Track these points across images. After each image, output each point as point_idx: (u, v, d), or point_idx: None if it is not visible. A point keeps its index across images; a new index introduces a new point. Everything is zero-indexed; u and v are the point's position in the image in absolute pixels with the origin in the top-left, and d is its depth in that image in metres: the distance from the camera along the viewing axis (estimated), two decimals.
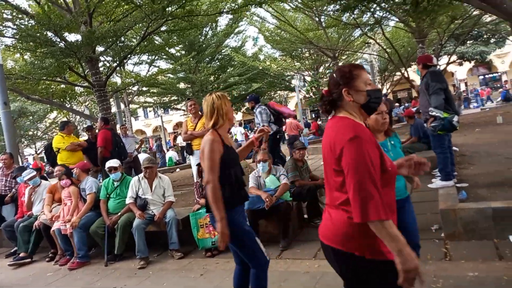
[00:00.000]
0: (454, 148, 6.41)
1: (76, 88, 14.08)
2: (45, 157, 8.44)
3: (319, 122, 20.54)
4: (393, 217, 1.54)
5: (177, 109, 24.08)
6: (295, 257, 4.01)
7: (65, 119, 24.04)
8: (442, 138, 4.80)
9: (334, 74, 1.70)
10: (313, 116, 29.10)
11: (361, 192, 1.43)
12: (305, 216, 5.19)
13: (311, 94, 21.71)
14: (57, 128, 21.52)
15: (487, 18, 15.33)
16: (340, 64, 19.36)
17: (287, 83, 24.72)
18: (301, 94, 23.95)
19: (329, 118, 1.73)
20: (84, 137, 13.38)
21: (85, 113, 16.18)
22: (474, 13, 12.79)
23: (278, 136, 6.56)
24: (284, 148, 13.55)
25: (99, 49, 10.42)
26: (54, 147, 7.18)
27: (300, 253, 4.11)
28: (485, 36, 23.07)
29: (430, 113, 4.60)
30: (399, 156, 2.63)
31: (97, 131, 7.73)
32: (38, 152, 28.85)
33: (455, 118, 4.59)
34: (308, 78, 23.03)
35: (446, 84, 4.75)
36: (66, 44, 8.62)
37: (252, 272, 2.53)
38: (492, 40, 23.96)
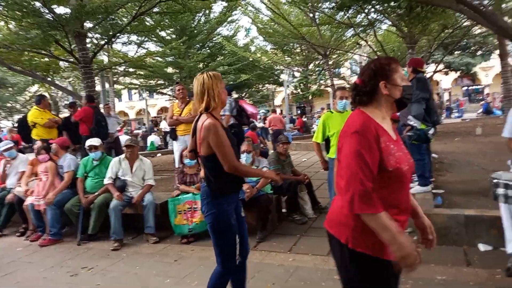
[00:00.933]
0: (433, 155, 6.54)
1: (61, 62, 13.68)
2: (18, 131, 8.20)
3: (304, 119, 20.64)
4: (399, 215, 1.56)
5: (162, 93, 23.72)
6: (271, 250, 4.04)
7: (46, 93, 23.44)
8: (420, 145, 4.87)
9: (372, 65, 1.66)
10: (299, 112, 29.17)
11: (351, 185, 1.46)
12: (284, 210, 5.22)
13: (299, 90, 21.75)
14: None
15: (477, 30, 15.62)
16: (330, 62, 19.47)
17: (276, 77, 24.68)
18: (289, 90, 23.98)
19: (353, 110, 1.74)
20: (65, 113, 13.07)
21: (68, 88, 15.80)
22: (465, 23, 13.00)
23: (232, 131, 6.47)
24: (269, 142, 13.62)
25: (88, 25, 10.14)
26: (30, 121, 6.98)
27: (276, 246, 4.14)
28: (472, 48, 23.52)
29: (408, 121, 4.62)
30: None
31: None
32: (14, 125, 28.09)
33: (431, 131, 4.62)
34: (298, 74, 23.06)
35: (430, 93, 4.76)
36: (54, 16, 8.35)
37: (217, 269, 2.44)
38: (479, 53, 24.45)
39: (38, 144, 5.66)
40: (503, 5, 11.75)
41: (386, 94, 1.61)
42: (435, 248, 3.54)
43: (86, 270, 3.92)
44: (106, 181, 4.89)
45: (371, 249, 1.53)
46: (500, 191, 2.41)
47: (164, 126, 16.55)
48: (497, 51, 15.76)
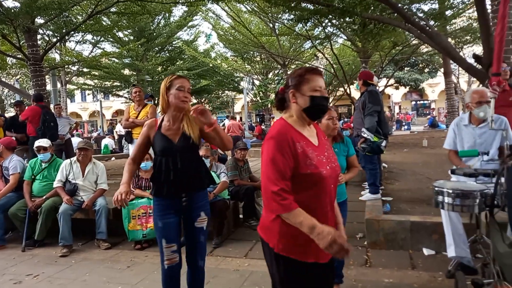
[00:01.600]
0: (383, 164, 6.89)
1: (8, 59, 12.93)
2: None
3: (263, 127, 20.88)
4: (322, 219, 1.57)
5: (118, 95, 23.04)
6: (227, 255, 4.05)
7: None
8: (372, 156, 5.13)
9: (290, 74, 1.75)
10: (258, 120, 29.47)
11: (267, 188, 1.55)
12: (241, 216, 5.26)
13: (258, 98, 22.02)
14: None
15: (424, 48, 16.72)
16: (289, 72, 19.89)
17: (236, 84, 24.82)
18: (249, 97, 24.19)
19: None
20: (11, 112, 12.28)
21: (16, 86, 14.90)
22: (413, 42, 13.88)
23: None
24: None
25: (40, 20, 9.69)
26: None
27: (232, 251, 4.16)
28: (420, 65, 25.15)
29: (362, 134, 4.85)
30: (341, 165, 2.79)
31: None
32: None
33: (384, 143, 4.89)
34: (257, 82, 23.35)
35: (381, 107, 5.04)
36: (1, 10, 7.90)
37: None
38: (426, 70, 26.18)
39: None
40: (448, 27, 12.70)
41: (293, 102, 1.68)
42: (384, 252, 3.77)
43: (31, 277, 3.71)
44: (56, 184, 4.66)
45: (294, 253, 1.60)
46: (441, 198, 2.61)
47: (119, 129, 16.01)
48: (442, 69, 16.95)
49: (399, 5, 7.88)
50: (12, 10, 7.96)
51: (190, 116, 2.35)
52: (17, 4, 8.55)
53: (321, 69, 18.14)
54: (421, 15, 8.84)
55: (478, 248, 3.34)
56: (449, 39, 13.25)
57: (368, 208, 4.40)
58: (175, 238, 2.40)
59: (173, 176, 2.35)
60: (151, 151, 2.53)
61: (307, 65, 17.56)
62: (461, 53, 15.65)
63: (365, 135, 4.80)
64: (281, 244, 1.61)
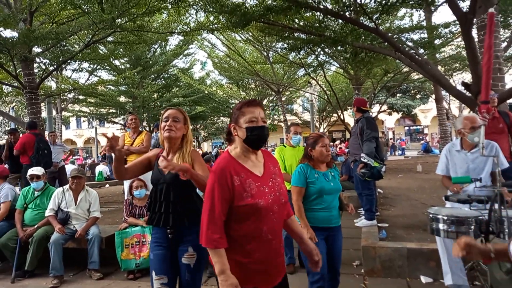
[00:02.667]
0: (378, 190, 6.90)
1: (4, 87, 13.01)
2: None
3: None
4: (249, 250, 1.71)
5: (114, 122, 23.10)
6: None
7: None
8: (369, 181, 5.15)
9: (232, 110, 1.89)
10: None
11: (203, 220, 1.69)
12: None
13: None
14: None
15: (415, 76, 17.09)
16: (283, 98, 20.17)
17: (231, 111, 25.02)
18: None
19: None
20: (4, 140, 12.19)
21: (11, 114, 14.91)
22: (405, 69, 14.20)
23: None
24: None
25: (37, 49, 9.83)
26: None
27: None
28: (412, 92, 25.63)
29: (362, 159, 4.88)
30: (338, 187, 2.85)
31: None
32: None
33: (383, 169, 4.95)
34: None
35: (378, 133, 5.13)
36: None
37: None
38: (418, 96, 26.66)
39: None
40: (437, 55, 13.05)
41: (235, 135, 1.81)
42: (381, 280, 3.71)
43: None
44: (48, 213, 4.59)
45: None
46: (436, 225, 2.61)
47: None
48: (433, 96, 17.27)
49: (389, 34, 8.13)
50: (10, 40, 8.08)
51: (185, 149, 2.38)
52: (15, 34, 8.69)
53: (315, 96, 18.41)
54: (410, 44, 9.09)
55: (476, 275, 3.32)
56: (439, 67, 13.59)
57: (364, 235, 4.37)
58: (165, 270, 2.31)
59: (159, 207, 2.34)
60: (145, 178, 2.50)
61: (301, 92, 17.76)
62: (451, 80, 16.02)
63: (365, 160, 4.83)
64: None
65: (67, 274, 4.48)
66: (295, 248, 4.08)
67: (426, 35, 10.07)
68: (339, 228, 2.89)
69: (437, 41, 10.98)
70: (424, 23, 11.25)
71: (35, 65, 10.67)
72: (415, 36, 10.03)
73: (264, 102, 22.92)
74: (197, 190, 2.44)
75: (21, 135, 7.65)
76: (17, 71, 9.25)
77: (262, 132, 1.79)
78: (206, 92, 21.28)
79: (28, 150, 6.79)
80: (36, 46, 9.32)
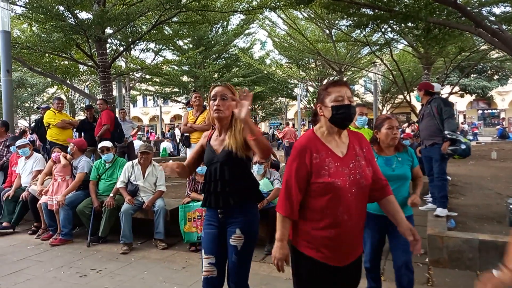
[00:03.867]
0: (448, 177, 6.46)
1: (80, 66, 14.00)
2: (34, 131, 8.37)
3: None
4: (330, 227, 1.75)
5: (177, 101, 24.02)
6: None
7: (63, 95, 23.90)
8: (445, 165, 4.81)
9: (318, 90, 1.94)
10: (311, 126, 29.23)
11: (282, 188, 1.83)
12: None
13: (312, 105, 21.79)
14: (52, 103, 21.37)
15: (494, 54, 15.53)
16: (345, 79, 19.50)
17: (290, 91, 24.81)
18: (302, 104, 24.02)
19: None
20: (82, 115, 13.20)
21: (86, 92, 16.08)
22: (482, 47, 12.96)
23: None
24: (280, 154, 13.63)
25: (109, 31, 10.38)
26: (45, 122, 7.17)
27: None
28: (489, 72, 23.35)
29: (448, 136, 4.49)
30: (403, 173, 2.68)
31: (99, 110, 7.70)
32: (30, 125, 28.59)
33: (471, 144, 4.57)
34: (311, 89, 23.18)
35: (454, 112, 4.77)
36: (76, 21, 8.58)
37: None
38: (496, 77, 24.26)
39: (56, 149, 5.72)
40: None
41: (321, 115, 1.85)
42: (448, 272, 3.50)
43: (94, 272, 3.94)
44: (119, 184, 4.93)
45: (304, 247, 1.81)
46: None
47: (177, 133, 16.71)
48: None
49: (468, 8, 7.40)
50: (86, 22, 8.62)
51: (237, 126, 2.29)
52: (90, 16, 9.23)
53: (379, 76, 17.55)
54: (492, 18, 8.21)
55: None
56: None
57: (431, 223, 4.14)
58: (213, 250, 2.32)
59: (213, 187, 2.31)
60: None
61: (364, 72, 17.06)
62: None
63: (453, 137, 4.48)
64: (295, 238, 1.86)
65: (135, 242, 4.81)
66: None
67: (510, 9, 9.04)
68: (409, 218, 2.63)
69: None
70: None
71: (107, 45, 11.31)
72: (498, 10, 9.07)
73: (324, 81, 22.36)
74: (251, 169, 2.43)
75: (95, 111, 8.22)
76: (92, 51, 9.88)
77: (349, 110, 1.78)
78: (266, 72, 21.22)
79: (111, 125, 7.33)
80: (108, 27, 9.84)
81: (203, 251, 2.35)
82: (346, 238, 1.78)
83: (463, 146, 4.41)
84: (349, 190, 1.74)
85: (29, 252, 4.65)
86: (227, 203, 2.29)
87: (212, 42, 19.84)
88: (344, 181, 1.74)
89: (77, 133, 7.87)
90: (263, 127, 41.05)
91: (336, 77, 20.20)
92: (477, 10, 8.08)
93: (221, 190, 2.28)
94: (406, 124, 21.36)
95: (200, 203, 4.59)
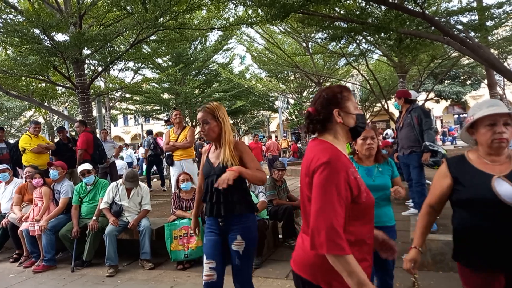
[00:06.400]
0: (427, 181, 6.63)
1: (58, 88, 13.83)
2: (10, 155, 8.19)
3: (299, 145, 20.81)
4: (365, 252, 1.50)
5: (158, 118, 23.85)
6: (267, 276, 4.02)
7: (41, 118, 23.45)
8: (423, 172, 4.94)
9: (324, 94, 1.62)
10: (293, 138, 29.43)
11: (320, 221, 1.36)
12: (280, 236, 5.22)
13: (294, 116, 22.06)
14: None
15: (465, 60, 16.11)
16: None
17: (271, 104, 25.01)
18: (284, 116, 24.24)
19: (311, 139, 1.68)
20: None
21: (64, 113, 15.84)
22: (453, 54, 13.43)
23: (149, 159, 10.55)
24: (265, 167, 13.68)
25: (86, 51, 10.34)
26: (20, 146, 7.03)
27: (272, 272, 4.12)
28: (462, 78, 24.20)
29: (429, 147, 4.67)
30: (383, 184, 2.71)
31: (72, 133, 7.63)
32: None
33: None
34: (292, 101, 23.46)
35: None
36: (53, 43, 8.52)
37: None
38: (468, 82, 25.14)
39: (28, 170, 5.62)
40: (489, 37, 12.22)
41: (340, 122, 1.57)
42: (432, 274, 3.58)
43: None
44: (102, 205, 4.87)
45: None
46: None
47: (141, 152, 16.77)
48: (486, 81, 16.20)
49: (436, 18, 7.71)
50: (62, 44, 8.56)
51: (225, 143, 2.54)
52: (67, 38, 9.18)
53: (357, 85, 17.94)
54: (460, 27, 8.57)
55: None
56: (492, 50, 12.73)
57: (414, 228, 4.23)
58: (214, 255, 2.52)
59: (210, 197, 2.55)
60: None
61: (342, 83, 17.37)
62: (505, 64, 14.96)
63: (435, 148, 4.64)
64: (337, 283, 1.41)
65: (121, 264, 4.74)
66: None
67: (477, 17, 9.45)
68: (388, 229, 2.63)
69: (489, 23, 10.27)
70: (474, 4, 10.53)
71: (85, 66, 11.23)
72: (465, 19, 9.44)
73: (304, 94, 22.67)
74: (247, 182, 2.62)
75: (67, 133, 8.10)
76: (70, 73, 9.79)
77: (366, 121, 1.68)
78: (246, 86, 21.38)
79: (89, 148, 7.23)
80: (86, 48, 9.80)
81: (204, 256, 2.55)
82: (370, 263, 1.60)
83: (443, 158, 4.59)
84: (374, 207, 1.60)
85: (12, 281, 4.52)
86: (227, 212, 2.51)
87: (191, 58, 19.91)
88: (372, 197, 1.57)
89: (53, 157, 7.72)
90: (247, 140, 41.13)
91: (315, 88, 20.55)
92: (445, 19, 8.41)
93: (220, 200, 2.51)
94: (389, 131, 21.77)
95: (185, 220, 4.59)
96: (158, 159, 10.47)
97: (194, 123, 18.64)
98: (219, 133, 2.55)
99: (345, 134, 1.60)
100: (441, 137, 27.52)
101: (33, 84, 11.96)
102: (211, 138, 2.59)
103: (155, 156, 10.37)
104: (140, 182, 5.11)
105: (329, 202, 1.37)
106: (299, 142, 21.77)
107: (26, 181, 5.61)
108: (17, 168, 7.69)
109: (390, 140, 13.33)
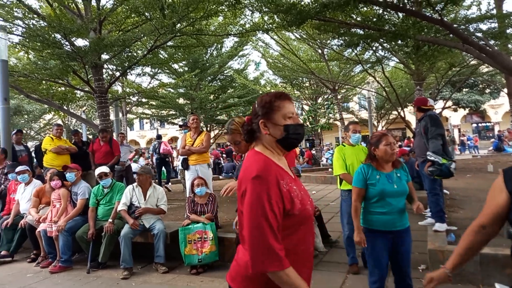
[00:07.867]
0: (445, 191, 6.51)
1: (77, 92, 14.11)
2: (34, 157, 8.41)
3: (313, 152, 20.69)
4: (304, 260, 1.48)
5: (173, 123, 24.08)
6: None
7: (60, 121, 23.94)
8: (435, 181, 4.87)
9: (256, 102, 1.56)
10: (308, 145, 29.30)
11: (254, 240, 1.32)
12: None
13: (308, 123, 21.95)
14: (50, 129, 21.40)
15: (484, 68, 15.84)
16: (339, 96, 19.72)
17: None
18: None
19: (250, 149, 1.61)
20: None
21: (83, 117, 16.13)
22: (472, 62, 13.21)
23: (157, 162, 11.53)
24: None
25: (105, 56, 10.54)
26: (42, 147, 7.27)
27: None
28: (480, 86, 23.74)
29: (428, 157, 4.64)
30: (403, 189, 2.74)
31: (89, 136, 7.83)
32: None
33: (453, 165, 4.64)
34: (306, 107, 23.37)
35: (443, 130, 4.85)
36: (73, 48, 8.72)
37: None
38: (487, 90, 24.65)
39: (50, 171, 5.76)
40: (510, 45, 11.98)
41: (266, 134, 1.49)
42: (450, 287, 3.50)
43: None
44: (120, 207, 4.92)
45: None
46: None
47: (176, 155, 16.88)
48: (505, 89, 15.87)
49: (455, 25, 7.61)
50: (82, 49, 8.75)
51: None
52: (86, 43, 9.39)
53: (373, 93, 17.77)
54: (479, 34, 8.43)
55: None
56: None
57: (431, 238, 4.16)
58: None
59: None
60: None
61: (358, 89, 17.20)
62: None
63: (432, 158, 4.59)
64: None
65: (136, 267, 4.78)
66: (357, 249, 4.00)
67: (496, 25, 9.29)
68: (406, 230, 2.78)
69: (509, 30, 10.09)
70: (494, 12, 10.35)
71: (104, 71, 11.44)
72: (484, 26, 9.30)
73: (319, 100, 22.59)
74: None
75: (83, 136, 8.30)
76: (88, 77, 9.99)
77: (303, 131, 1.52)
78: (261, 92, 21.37)
79: (116, 151, 7.70)
80: (104, 53, 10.00)
81: None
82: (310, 274, 1.55)
83: (442, 167, 4.53)
84: (313, 217, 1.55)
85: (29, 280, 4.60)
86: None
87: (207, 64, 20.08)
88: (311, 206, 1.51)
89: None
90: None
91: (330, 95, 20.46)
92: (464, 27, 8.29)
93: None
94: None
95: (200, 224, 4.60)
96: (164, 160, 11.48)
97: (209, 128, 18.74)
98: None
99: (274, 145, 1.52)
100: (460, 146, 27.00)
101: (53, 87, 12.24)
102: (244, 152, 2.57)
103: (160, 158, 11.29)
104: (154, 184, 5.17)
105: (262, 218, 1.32)
106: (313, 149, 21.64)
107: (44, 183, 5.73)
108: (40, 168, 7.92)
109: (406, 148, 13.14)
